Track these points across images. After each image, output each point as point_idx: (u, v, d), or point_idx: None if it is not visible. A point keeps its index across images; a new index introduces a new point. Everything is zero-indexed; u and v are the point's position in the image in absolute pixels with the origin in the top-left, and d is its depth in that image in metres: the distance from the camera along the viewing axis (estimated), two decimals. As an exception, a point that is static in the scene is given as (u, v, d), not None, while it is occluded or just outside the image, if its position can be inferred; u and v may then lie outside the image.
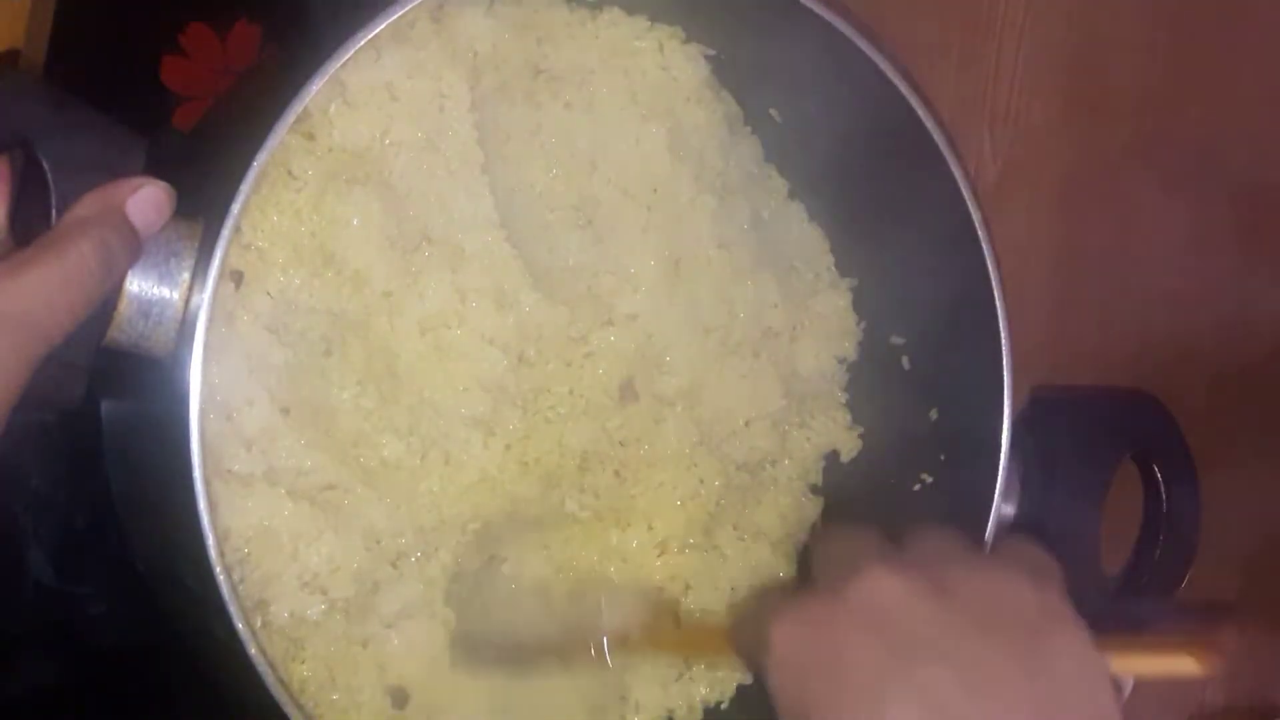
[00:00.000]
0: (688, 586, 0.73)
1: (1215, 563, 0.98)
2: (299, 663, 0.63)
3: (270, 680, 0.56)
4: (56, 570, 0.71)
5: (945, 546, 0.53)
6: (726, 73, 0.75)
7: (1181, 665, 0.54)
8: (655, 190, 0.72)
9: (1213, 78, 0.99)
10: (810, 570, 0.55)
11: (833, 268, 0.80)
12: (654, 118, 0.72)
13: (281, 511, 0.61)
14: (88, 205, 0.51)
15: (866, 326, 0.80)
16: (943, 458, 0.75)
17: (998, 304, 0.70)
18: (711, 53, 0.74)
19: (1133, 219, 0.97)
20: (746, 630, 0.57)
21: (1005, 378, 0.70)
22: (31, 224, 0.51)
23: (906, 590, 0.50)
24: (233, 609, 0.55)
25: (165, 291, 0.54)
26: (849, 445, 0.80)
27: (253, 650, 0.55)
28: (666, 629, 0.71)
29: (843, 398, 0.80)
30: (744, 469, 0.76)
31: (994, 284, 0.70)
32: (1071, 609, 0.51)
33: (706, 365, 0.74)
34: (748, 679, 0.75)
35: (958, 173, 0.70)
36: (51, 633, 0.72)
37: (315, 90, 0.56)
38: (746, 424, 0.76)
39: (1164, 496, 0.77)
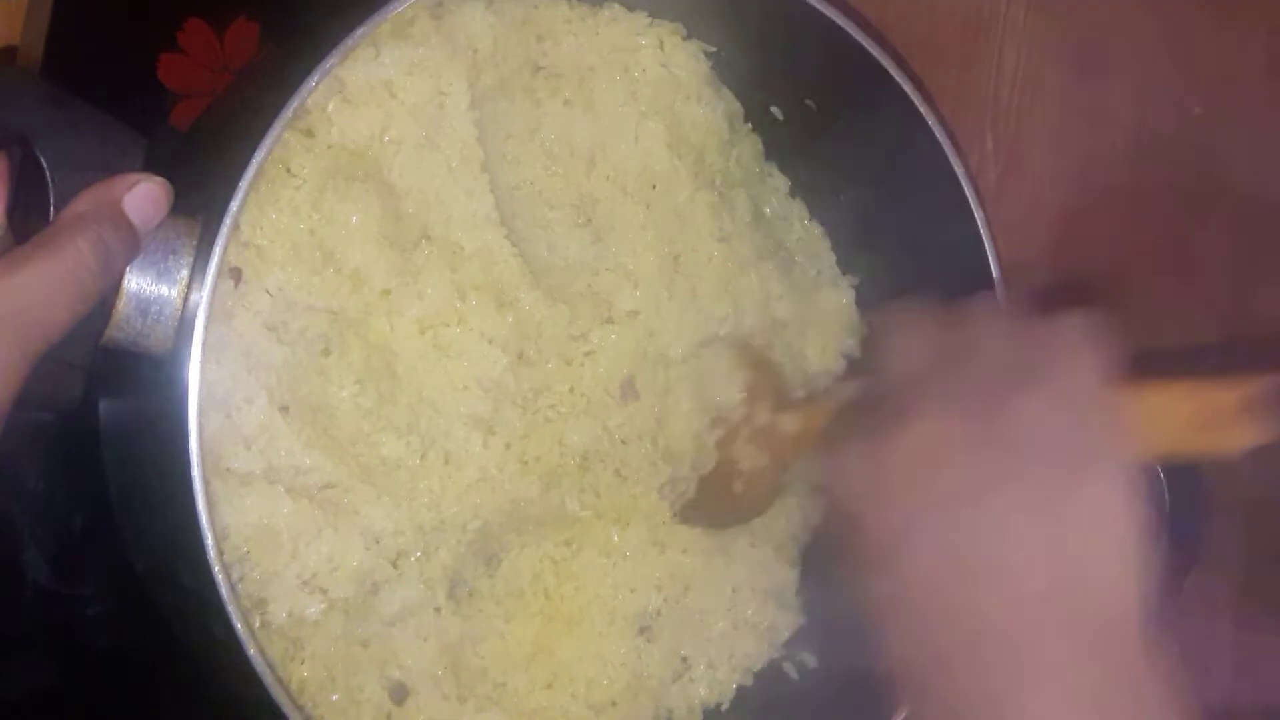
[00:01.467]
0: (687, 587, 0.73)
1: (1216, 562, 0.97)
2: (298, 663, 0.63)
3: (269, 680, 0.56)
4: (54, 571, 0.71)
5: (1002, 357, 0.55)
6: (727, 70, 0.75)
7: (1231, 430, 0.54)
8: (654, 187, 0.72)
9: (1213, 78, 0.99)
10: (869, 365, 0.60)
11: (835, 265, 0.79)
12: (653, 115, 0.72)
13: (281, 510, 0.61)
14: (85, 201, 0.51)
15: (868, 325, 0.79)
16: (945, 457, 0.74)
17: (998, 302, 0.70)
18: (712, 49, 0.74)
19: (1133, 219, 0.97)
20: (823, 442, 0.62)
21: (1007, 376, 0.70)
22: (30, 222, 0.51)
23: (955, 438, 0.53)
24: (231, 609, 0.54)
25: (164, 289, 0.54)
26: (851, 444, 0.80)
27: (252, 651, 0.55)
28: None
29: (845, 397, 0.80)
30: (746, 468, 0.76)
31: (995, 282, 0.70)
32: (1114, 437, 0.53)
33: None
34: (747, 681, 0.75)
35: (959, 171, 0.69)
36: (50, 634, 0.71)
37: (314, 87, 0.56)
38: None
39: (1166, 497, 0.77)
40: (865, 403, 0.60)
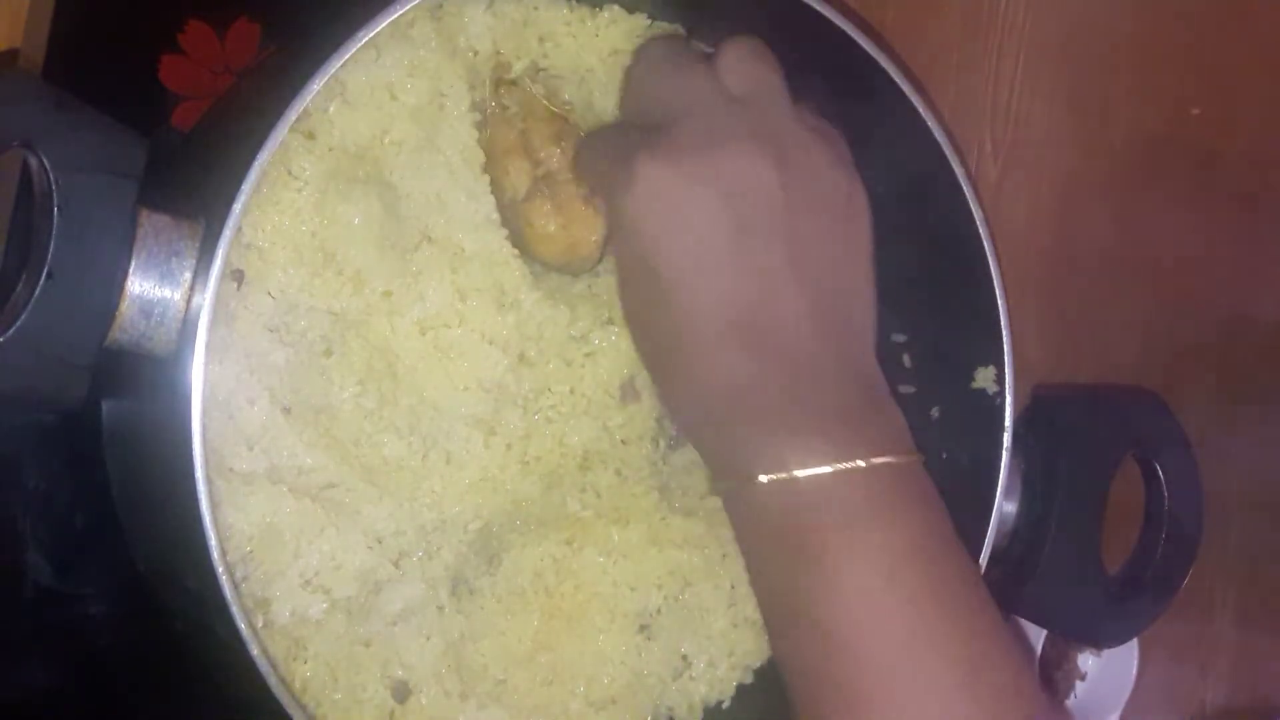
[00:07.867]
0: (687, 584, 0.73)
1: (1216, 562, 0.98)
2: (301, 663, 0.63)
3: (272, 680, 0.56)
4: (56, 571, 0.71)
5: (772, 104, 0.63)
6: (727, 71, 0.75)
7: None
8: (654, 189, 0.72)
9: (1213, 77, 0.99)
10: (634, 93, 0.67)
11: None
12: (653, 117, 0.72)
13: (283, 509, 0.61)
14: None
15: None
16: (944, 456, 0.75)
17: (999, 303, 0.70)
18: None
19: (1133, 218, 0.98)
20: (607, 146, 0.65)
21: (1007, 376, 0.71)
22: (33, 225, 0.51)
23: (763, 166, 0.59)
24: (234, 609, 0.54)
25: (167, 291, 0.54)
26: (850, 444, 0.80)
27: (255, 650, 0.55)
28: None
29: (843, 397, 0.80)
30: (745, 468, 0.76)
31: (995, 282, 0.70)
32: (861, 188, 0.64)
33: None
34: (748, 679, 0.75)
35: (959, 171, 0.70)
36: (51, 634, 0.72)
37: (315, 90, 0.56)
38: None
39: (1165, 495, 0.77)
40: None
